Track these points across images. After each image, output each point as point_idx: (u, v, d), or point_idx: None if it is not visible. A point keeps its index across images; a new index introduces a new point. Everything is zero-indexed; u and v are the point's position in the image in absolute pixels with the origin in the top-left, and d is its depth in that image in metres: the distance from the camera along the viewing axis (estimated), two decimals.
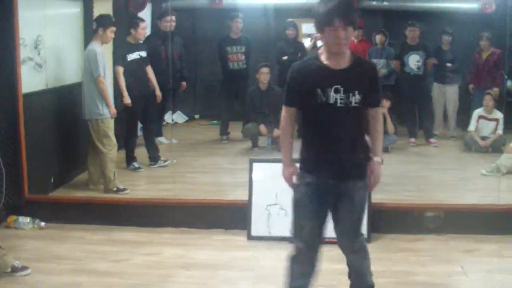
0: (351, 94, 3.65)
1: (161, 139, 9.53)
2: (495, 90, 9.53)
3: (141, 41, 8.09)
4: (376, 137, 3.90)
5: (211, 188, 7.14)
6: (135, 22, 8.00)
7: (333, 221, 3.90)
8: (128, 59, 7.81)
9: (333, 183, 3.76)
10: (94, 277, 4.89)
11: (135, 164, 7.93)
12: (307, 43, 10.31)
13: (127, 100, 7.61)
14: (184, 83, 9.69)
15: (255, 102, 9.43)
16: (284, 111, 3.93)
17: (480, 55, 9.95)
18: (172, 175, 7.46)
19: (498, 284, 4.76)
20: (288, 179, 3.97)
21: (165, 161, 8.18)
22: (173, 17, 9.10)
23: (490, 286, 4.73)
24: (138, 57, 7.96)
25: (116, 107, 7.04)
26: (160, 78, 8.82)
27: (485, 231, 5.82)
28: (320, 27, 3.64)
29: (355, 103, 3.67)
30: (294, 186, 3.94)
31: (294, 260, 3.96)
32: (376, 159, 3.88)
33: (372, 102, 3.81)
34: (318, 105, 3.67)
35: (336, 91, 3.64)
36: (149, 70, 8.19)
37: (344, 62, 3.70)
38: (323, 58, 3.72)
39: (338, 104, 3.64)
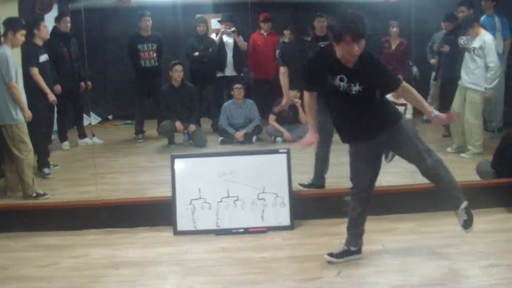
0: (352, 84, 4.48)
1: (86, 140, 9.54)
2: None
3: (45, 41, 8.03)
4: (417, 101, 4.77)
5: (132, 187, 7.15)
6: (36, 22, 7.93)
7: None
8: (40, 61, 7.74)
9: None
10: (23, 284, 4.82)
11: (45, 170, 7.77)
12: (215, 38, 10.46)
13: (52, 96, 7.58)
14: (83, 84, 9.58)
15: (169, 99, 9.46)
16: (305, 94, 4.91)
17: (390, 44, 10.30)
18: (91, 177, 7.40)
19: (418, 258, 4.99)
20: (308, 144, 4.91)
21: (54, 165, 8.10)
22: (68, 18, 9.08)
23: (411, 261, 4.94)
24: (45, 59, 7.91)
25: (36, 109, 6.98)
26: (67, 80, 8.80)
27: (403, 210, 6.05)
28: (336, 40, 4.35)
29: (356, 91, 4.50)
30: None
31: None
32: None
33: (389, 88, 4.68)
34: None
35: (341, 79, 4.49)
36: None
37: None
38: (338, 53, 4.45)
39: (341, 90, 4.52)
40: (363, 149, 4.77)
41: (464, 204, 4.82)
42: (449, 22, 9.31)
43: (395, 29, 10.19)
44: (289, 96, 7.28)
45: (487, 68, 7.75)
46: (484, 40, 7.75)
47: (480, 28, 7.91)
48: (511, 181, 6.19)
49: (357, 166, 4.87)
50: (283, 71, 7.18)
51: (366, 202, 4.95)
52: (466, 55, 8.04)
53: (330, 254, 4.96)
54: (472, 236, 5.26)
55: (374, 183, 4.94)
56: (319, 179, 6.71)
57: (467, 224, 4.80)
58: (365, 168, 4.84)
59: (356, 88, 4.48)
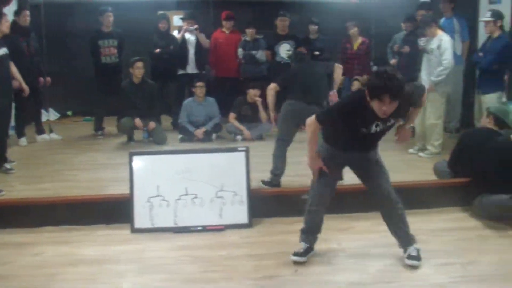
0: (387, 123, 4.55)
1: (43, 136, 9.47)
2: (364, 77, 9.96)
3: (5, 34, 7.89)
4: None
5: (91, 185, 7.06)
6: None
7: None
8: None
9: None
10: None
11: (7, 165, 7.65)
12: (177, 35, 10.45)
13: None
14: (42, 79, 9.52)
15: (129, 96, 9.39)
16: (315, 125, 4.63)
17: (352, 44, 10.39)
18: (50, 174, 7.35)
19: (374, 257, 5.06)
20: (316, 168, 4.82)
21: (11, 161, 7.88)
22: (28, 12, 9.00)
23: (367, 259, 5.01)
24: (4, 53, 7.77)
25: None
26: (26, 75, 8.67)
27: (358, 209, 6.09)
28: (372, 96, 4.27)
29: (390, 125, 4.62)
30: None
31: None
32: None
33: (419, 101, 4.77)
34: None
35: (376, 125, 4.51)
36: (12, 66, 8.01)
37: None
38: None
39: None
40: (340, 157, 4.85)
41: (416, 245, 4.92)
42: (410, 23, 9.43)
43: (352, 30, 10.28)
44: (274, 112, 7.02)
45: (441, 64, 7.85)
46: (442, 39, 7.86)
47: (437, 29, 8.02)
48: (467, 181, 6.29)
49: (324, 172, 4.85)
50: (271, 87, 6.92)
51: (323, 213, 5.05)
52: (425, 56, 8.14)
53: (296, 254, 4.96)
54: (428, 234, 5.36)
55: (330, 195, 4.99)
56: (274, 177, 6.75)
57: (414, 259, 4.82)
58: (330, 174, 4.86)
59: (390, 123, 4.59)
